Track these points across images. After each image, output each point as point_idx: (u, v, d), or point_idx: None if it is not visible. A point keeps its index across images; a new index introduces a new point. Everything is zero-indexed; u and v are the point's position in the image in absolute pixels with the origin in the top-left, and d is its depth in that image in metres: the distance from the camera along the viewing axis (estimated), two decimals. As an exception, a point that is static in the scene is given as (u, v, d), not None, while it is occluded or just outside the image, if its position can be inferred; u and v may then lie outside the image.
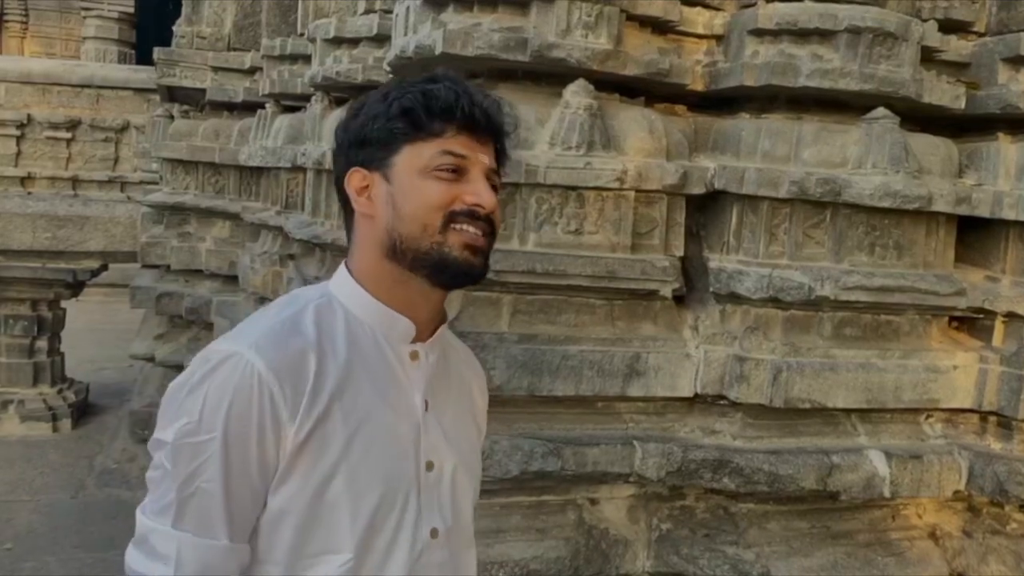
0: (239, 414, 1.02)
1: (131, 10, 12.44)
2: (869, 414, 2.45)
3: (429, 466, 1.13)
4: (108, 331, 8.13)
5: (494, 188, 1.13)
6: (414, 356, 1.14)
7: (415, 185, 1.09)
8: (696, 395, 2.40)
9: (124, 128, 10.54)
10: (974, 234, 2.63)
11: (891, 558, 2.43)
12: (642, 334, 2.39)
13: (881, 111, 2.39)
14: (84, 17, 12.60)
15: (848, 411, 2.44)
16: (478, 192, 1.09)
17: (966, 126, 2.72)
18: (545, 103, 2.33)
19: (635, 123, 2.37)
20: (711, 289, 2.45)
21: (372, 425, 1.08)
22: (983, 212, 2.48)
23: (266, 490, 1.05)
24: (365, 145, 1.13)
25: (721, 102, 2.65)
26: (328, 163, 3.05)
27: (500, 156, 1.17)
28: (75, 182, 10.41)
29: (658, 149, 2.37)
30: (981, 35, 2.72)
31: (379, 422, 1.09)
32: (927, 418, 2.52)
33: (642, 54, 2.37)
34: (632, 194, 2.34)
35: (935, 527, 2.56)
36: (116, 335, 7.39)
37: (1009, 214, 2.47)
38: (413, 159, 1.10)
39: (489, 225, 1.11)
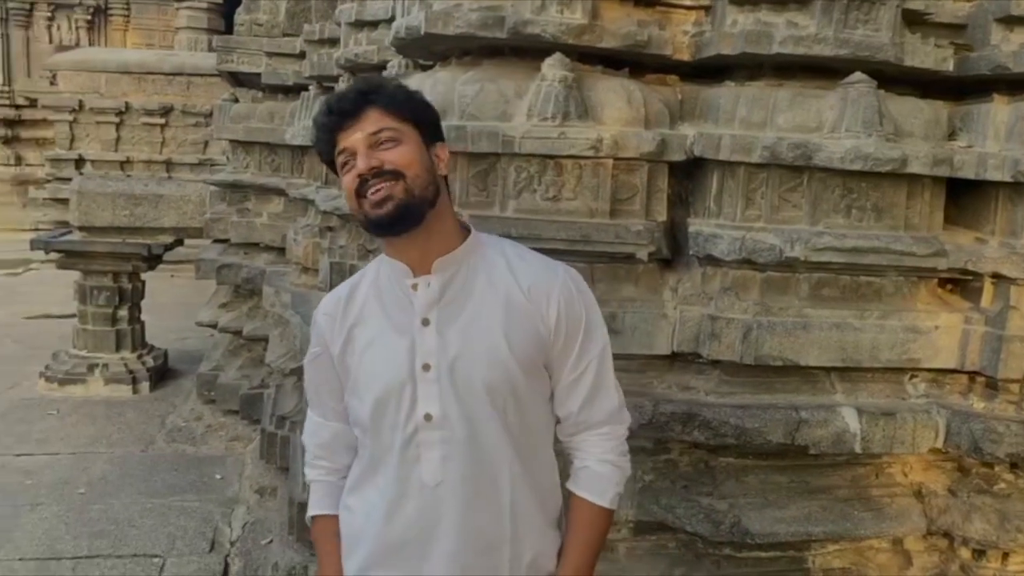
0: (317, 340, 1.58)
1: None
2: (848, 373, 2.51)
3: (426, 367, 1.46)
4: (196, 304, 8.70)
5: (392, 140, 1.44)
6: (415, 287, 1.49)
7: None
8: (674, 353, 2.51)
9: (213, 113, 11.09)
10: (967, 197, 2.63)
11: (868, 513, 2.49)
12: (621, 295, 2.51)
13: (857, 75, 2.42)
14: (177, 8, 13.27)
15: (827, 370, 2.51)
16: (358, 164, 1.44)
17: (968, 89, 2.72)
18: (526, 77, 2.46)
19: (613, 93, 2.48)
20: (691, 252, 2.55)
21: (379, 342, 1.50)
22: (967, 174, 2.49)
23: (342, 388, 1.56)
24: None
25: (715, 71, 2.72)
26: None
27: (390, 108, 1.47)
28: (169, 165, 11.05)
29: (636, 118, 2.47)
30: (983, -4, 2.70)
31: (383, 339, 1.49)
32: (911, 378, 2.56)
33: (619, 27, 2.47)
34: (610, 162, 2.45)
35: (921, 485, 2.60)
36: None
37: (995, 175, 2.47)
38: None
39: (388, 177, 1.42)
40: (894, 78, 2.55)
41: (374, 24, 3.30)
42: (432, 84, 2.50)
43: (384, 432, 1.49)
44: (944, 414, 2.46)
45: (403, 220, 1.42)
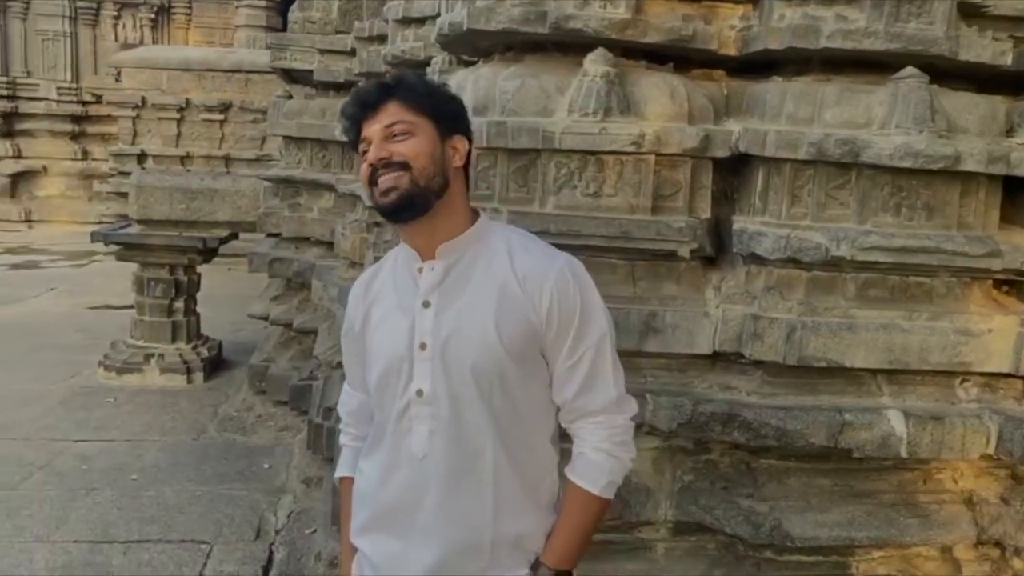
0: (347, 318, 1.69)
1: (278, -2, 13.24)
2: (896, 375, 2.45)
3: (422, 346, 1.54)
4: (251, 298, 8.85)
5: (405, 133, 1.50)
6: (420, 271, 1.57)
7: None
8: (716, 353, 2.47)
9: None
10: (1025, 195, 2.55)
11: (915, 519, 2.42)
12: (662, 294, 2.49)
13: (909, 70, 2.36)
14: (236, 7, 13.53)
15: (873, 372, 2.45)
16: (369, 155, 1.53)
17: (1029, 84, 2.63)
18: (568, 73, 2.45)
19: (656, 89, 2.45)
20: (735, 250, 2.51)
21: (388, 320, 1.59)
22: (1025, 171, 2.41)
23: (364, 362, 1.65)
24: None
25: (762, 67, 2.68)
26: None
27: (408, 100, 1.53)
28: (227, 160, 11.30)
29: (679, 114, 2.45)
30: (1046, -13, 2.61)
31: (391, 318, 1.59)
32: (962, 382, 2.48)
33: (663, 21, 2.44)
34: (652, 158, 2.43)
35: (972, 492, 2.52)
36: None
37: (1054, 173, 2.38)
38: None
39: (396, 168, 1.49)
40: (948, 73, 2.48)
41: (420, 21, 3.33)
42: (474, 80, 2.51)
43: (386, 403, 1.59)
44: (996, 420, 2.38)
45: (408, 208, 1.51)
